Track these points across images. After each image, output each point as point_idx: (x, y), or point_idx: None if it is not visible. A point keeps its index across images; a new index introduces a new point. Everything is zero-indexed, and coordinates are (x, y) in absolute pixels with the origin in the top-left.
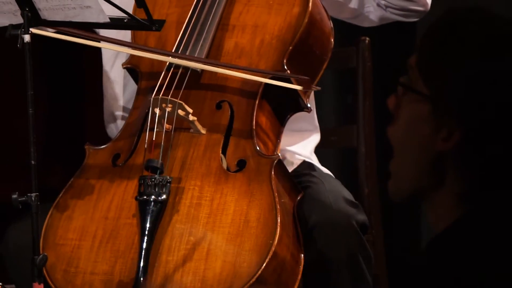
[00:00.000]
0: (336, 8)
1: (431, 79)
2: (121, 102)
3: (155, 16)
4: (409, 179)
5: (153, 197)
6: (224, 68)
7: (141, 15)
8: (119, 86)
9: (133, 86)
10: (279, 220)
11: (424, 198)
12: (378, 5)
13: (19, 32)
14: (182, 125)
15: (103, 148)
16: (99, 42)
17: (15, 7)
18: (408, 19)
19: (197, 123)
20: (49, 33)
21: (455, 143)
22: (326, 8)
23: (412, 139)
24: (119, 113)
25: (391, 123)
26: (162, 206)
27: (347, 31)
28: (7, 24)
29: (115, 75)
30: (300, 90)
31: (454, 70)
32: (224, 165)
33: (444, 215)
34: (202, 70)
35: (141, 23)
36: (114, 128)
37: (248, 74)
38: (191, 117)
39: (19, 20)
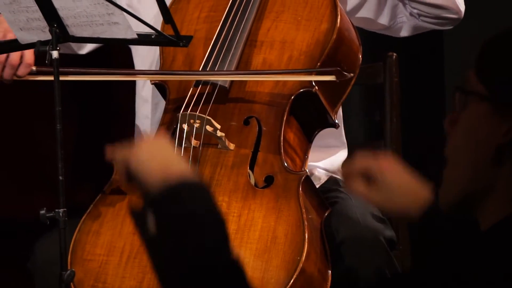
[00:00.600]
0: (367, 23)
1: (492, 83)
2: (152, 121)
3: (183, 32)
4: (461, 184)
5: None
6: (254, 76)
7: (169, 31)
8: (149, 105)
9: (164, 105)
10: (306, 236)
11: (473, 206)
12: (411, 14)
13: (47, 48)
14: (210, 141)
15: None
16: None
17: (43, 23)
18: (442, 27)
19: (225, 139)
20: (80, 76)
21: None
22: (356, 23)
23: (469, 142)
24: (149, 131)
25: (446, 145)
26: None
27: (374, 46)
28: (35, 41)
29: (147, 94)
30: (334, 80)
31: None
32: (252, 181)
33: (491, 219)
34: (230, 86)
35: (168, 39)
36: None
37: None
38: (219, 133)
39: (47, 36)
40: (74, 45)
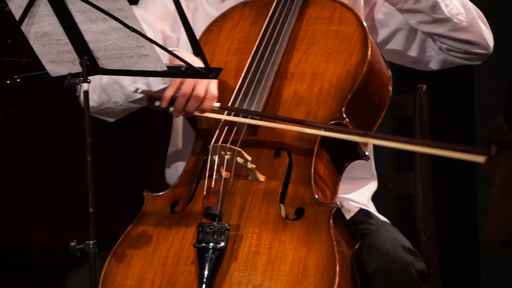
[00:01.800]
0: (396, 55)
1: None
2: (183, 151)
3: (214, 64)
4: (509, 222)
5: (211, 244)
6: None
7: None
8: (180, 134)
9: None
10: (337, 269)
11: None
12: (440, 48)
13: (77, 81)
14: (241, 173)
15: (162, 194)
16: None
17: (74, 56)
18: (471, 62)
19: (255, 171)
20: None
21: None
22: (386, 55)
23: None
24: (180, 159)
25: (489, 185)
26: (220, 253)
27: (404, 78)
28: (66, 73)
29: (178, 123)
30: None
31: None
32: (283, 213)
33: None
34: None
35: (198, 72)
36: (174, 174)
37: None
38: (250, 165)
39: (78, 69)
40: (105, 115)
